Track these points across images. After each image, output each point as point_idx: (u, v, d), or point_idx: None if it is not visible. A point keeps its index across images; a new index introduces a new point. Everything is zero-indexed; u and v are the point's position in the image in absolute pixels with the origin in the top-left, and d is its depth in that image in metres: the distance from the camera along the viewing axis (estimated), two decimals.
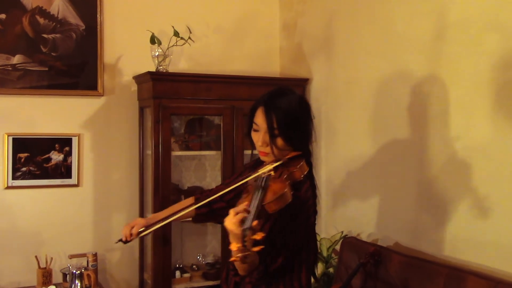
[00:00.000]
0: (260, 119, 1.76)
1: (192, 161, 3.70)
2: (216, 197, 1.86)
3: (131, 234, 1.98)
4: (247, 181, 1.73)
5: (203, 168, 3.73)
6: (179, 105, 3.24)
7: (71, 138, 3.40)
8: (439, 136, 2.49)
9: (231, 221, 1.50)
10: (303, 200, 1.72)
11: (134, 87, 3.54)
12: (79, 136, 3.42)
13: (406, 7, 2.68)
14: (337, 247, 2.99)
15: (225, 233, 1.68)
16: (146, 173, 3.49)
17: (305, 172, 1.73)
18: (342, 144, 3.19)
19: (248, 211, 1.52)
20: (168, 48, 3.32)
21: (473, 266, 2.30)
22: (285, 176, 1.66)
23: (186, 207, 1.97)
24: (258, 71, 3.76)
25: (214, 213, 2.04)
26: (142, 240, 3.52)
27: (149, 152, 3.37)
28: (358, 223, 3.03)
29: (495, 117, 2.22)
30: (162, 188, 3.18)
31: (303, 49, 3.60)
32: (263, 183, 1.62)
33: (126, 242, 2.00)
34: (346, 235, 3.01)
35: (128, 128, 3.54)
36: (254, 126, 1.79)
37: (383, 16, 2.85)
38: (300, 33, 3.65)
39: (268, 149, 1.76)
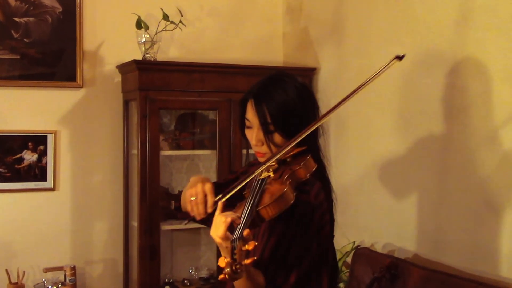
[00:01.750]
0: (250, 114, 1.70)
1: (183, 161, 3.69)
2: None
3: (205, 208, 1.62)
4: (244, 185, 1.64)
5: (196, 169, 3.72)
6: (169, 98, 3.23)
7: (46, 136, 3.38)
8: (462, 132, 2.48)
9: (218, 230, 1.41)
10: (313, 205, 1.63)
11: (118, 78, 3.53)
12: (55, 133, 3.41)
13: None
14: (348, 259, 2.98)
15: None
16: (132, 175, 3.48)
17: (312, 170, 1.63)
18: (354, 143, 3.18)
19: (238, 218, 1.44)
20: (156, 34, 3.31)
21: (504, 281, 2.29)
22: (286, 176, 1.57)
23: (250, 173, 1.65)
24: (259, 59, 3.75)
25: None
26: (126, 252, 3.52)
27: (135, 151, 3.36)
28: (372, 232, 3.02)
29: None
30: (149, 193, 3.17)
31: (309, 35, 3.59)
32: (258, 187, 1.55)
33: (200, 220, 1.69)
34: (359, 245, 3.01)
35: (111, 124, 3.53)
36: (247, 123, 1.73)
37: None
38: (306, 16, 3.64)
39: (264, 149, 1.70)
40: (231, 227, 1.43)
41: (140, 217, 3.19)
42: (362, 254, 2.85)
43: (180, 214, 1.88)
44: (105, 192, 3.54)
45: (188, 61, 3.55)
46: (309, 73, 3.50)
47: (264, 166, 1.61)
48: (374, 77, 1.56)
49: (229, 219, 1.42)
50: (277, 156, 1.61)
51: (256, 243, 1.36)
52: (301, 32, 3.69)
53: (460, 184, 2.50)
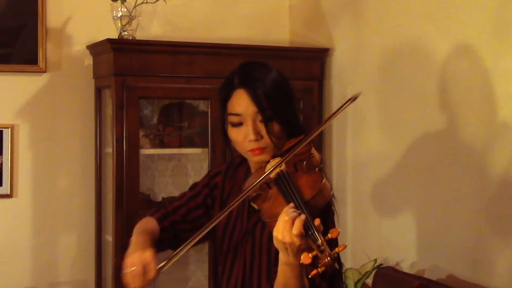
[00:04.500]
0: (243, 104, 1.78)
1: (168, 162, 3.69)
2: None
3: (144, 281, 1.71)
4: (248, 193, 1.73)
5: (183, 171, 3.72)
6: (151, 85, 3.24)
7: (1, 131, 3.39)
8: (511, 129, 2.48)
9: (294, 229, 1.50)
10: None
11: (89, 61, 3.53)
12: (12, 127, 3.41)
13: None
14: (369, 281, 2.99)
15: (213, 262, 1.67)
16: (105, 178, 3.49)
17: (320, 158, 1.78)
18: (376, 139, 3.18)
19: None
20: (135, 7, 3.31)
21: None
22: (304, 164, 1.71)
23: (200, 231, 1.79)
24: (260, 38, 3.75)
25: (177, 237, 1.99)
26: (99, 273, 3.52)
27: (109, 150, 3.36)
28: (397, 248, 3.03)
29: None
30: (127, 200, 3.18)
31: (321, 8, 3.59)
32: (288, 181, 1.67)
33: None
34: (381, 264, 3.01)
35: (81, 117, 3.53)
36: (233, 119, 1.81)
37: None
38: None
39: (263, 143, 1.78)
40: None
41: (115, 230, 3.19)
42: (385, 274, 2.86)
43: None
44: (73, 200, 3.54)
45: (173, 40, 3.55)
46: (321, 54, 3.50)
47: (279, 163, 1.72)
48: (332, 118, 1.83)
49: (303, 216, 1.53)
50: (296, 151, 1.71)
51: (339, 230, 1.51)
52: (311, 5, 3.68)
53: (505, 190, 2.50)
